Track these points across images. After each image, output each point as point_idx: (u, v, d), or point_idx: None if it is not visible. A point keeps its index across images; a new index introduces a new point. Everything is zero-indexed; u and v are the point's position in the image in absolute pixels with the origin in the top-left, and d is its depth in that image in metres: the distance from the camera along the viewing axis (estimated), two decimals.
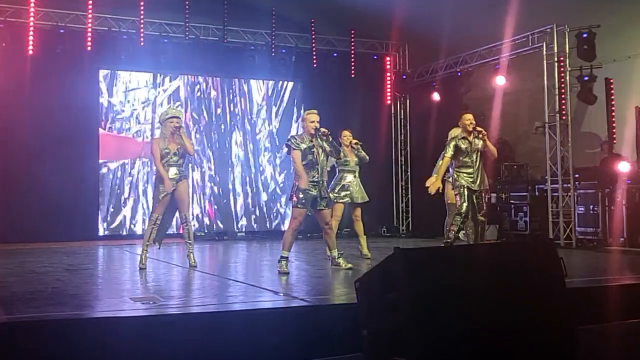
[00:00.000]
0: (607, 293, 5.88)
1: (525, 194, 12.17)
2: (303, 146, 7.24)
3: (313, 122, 7.29)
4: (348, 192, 8.76)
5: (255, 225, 14.25)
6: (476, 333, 3.35)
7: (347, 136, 8.93)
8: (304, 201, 7.14)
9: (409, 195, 15.05)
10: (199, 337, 4.44)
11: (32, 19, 11.95)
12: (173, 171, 7.68)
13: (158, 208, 7.66)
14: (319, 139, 7.29)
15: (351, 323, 4.18)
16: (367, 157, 9.00)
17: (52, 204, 12.07)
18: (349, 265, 7.44)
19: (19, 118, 11.95)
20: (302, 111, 14.44)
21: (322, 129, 7.31)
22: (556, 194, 11.29)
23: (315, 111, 7.42)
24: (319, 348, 4.55)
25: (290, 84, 14.71)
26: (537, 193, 12.07)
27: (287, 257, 7.21)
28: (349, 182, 8.82)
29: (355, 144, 8.97)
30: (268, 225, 14.33)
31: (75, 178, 12.50)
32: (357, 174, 8.95)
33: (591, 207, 10.88)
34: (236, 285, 6.57)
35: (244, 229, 14.11)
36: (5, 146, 11.93)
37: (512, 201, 12.34)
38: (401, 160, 15.24)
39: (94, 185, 13.00)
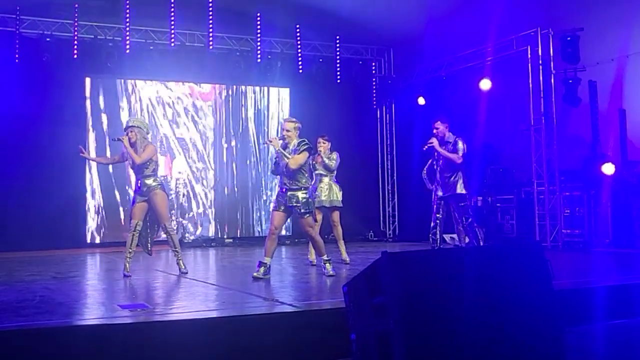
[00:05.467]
0: (594, 294, 5.92)
1: (511, 196, 12.24)
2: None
3: (283, 130, 7.38)
4: (316, 195, 8.85)
5: (242, 232, 14.26)
6: (463, 336, 3.37)
7: (321, 143, 9.03)
8: (275, 206, 7.39)
9: (395, 200, 15.09)
10: (187, 343, 4.45)
11: (18, 27, 11.90)
12: (149, 180, 7.68)
13: (135, 214, 7.67)
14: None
15: (340, 327, 4.20)
16: (333, 166, 9.03)
17: (39, 212, 12.03)
18: (332, 273, 7.40)
19: (4, 126, 11.90)
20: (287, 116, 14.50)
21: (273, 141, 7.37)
22: (542, 196, 11.37)
23: (291, 119, 7.50)
24: (308, 353, 4.56)
25: (276, 90, 14.73)
26: (523, 196, 12.15)
27: (265, 264, 7.28)
28: (319, 186, 8.94)
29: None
30: (256, 231, 14.33)
31: (63, 186, 12.47)
32: (328, 178, 9.01)
33: (577, 209, 10.97)
34: (224, 291, 6.57)
35: (231, 236, 14.11)
36: None
37: (498, 204, 12.41)
38: (387, 165, 15.28)
39: (81, 192, 12.96)
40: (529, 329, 3.59)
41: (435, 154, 8.83)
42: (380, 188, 15.33)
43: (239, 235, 14.18)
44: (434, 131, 8.77)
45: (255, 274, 7.21)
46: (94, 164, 13.03)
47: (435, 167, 8.84)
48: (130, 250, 7.67)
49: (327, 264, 7.44)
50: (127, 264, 7.67)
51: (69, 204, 12.61)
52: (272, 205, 7.55)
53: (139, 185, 7.70)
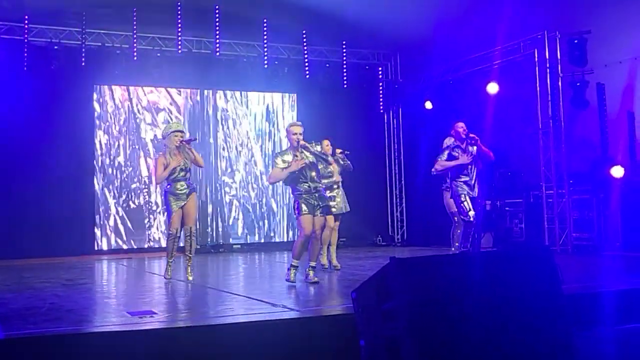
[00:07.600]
0: (605, 298, 5.89)
1: (520, 200, 12.18)
2: (286, 158, 7.08)
3: (296, 134, 7.08)
4: (334, 203, 8.71)
5: (250, 237, 14.26)
6: (472, 341, 3.35)
7: (327, 145, 8.83)
8: (306, 209, 7.00)
9: (404, 204, 15.07)
10: (195, 350, 4.44)
11: (26, 35, 11.97)
12: (182, 185, 7.74)
13: (175, 221, 7.72)
14: (302, 151, 7.13)
15: (349, 333, 4.19)
16: (352, 166, 8.86)
17: (49, 219, 12.08)
18: (316, 279, 7.21)
19: (14, 134, 11.97)
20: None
21: (302, 142, 7.10)
22: (551, 199, 11.32)
23: (298, 123, 7.23)
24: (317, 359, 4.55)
25: (283, 96, 14.74)
26: (532, 199, 12.09)
27: (297, 267, 7.17)
28: (335, 193, 8.79)
29: (340, 153, 8.91)
30: (263, 237, 14.32)
31: (71, 193, 12.51)
32: (340, 184, 8.92)
33: (586, 212, 10.92)
34: (232, 297, 6.57)
35: (239, 241, 14.11)
36: (1, 162, 11.94)
37: (507, 208, 12.34)
38: (395, 169, 15.26)
39: (90, 199, 12.99)
40: (538, 334, 3.57)
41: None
42: (388, 193, 15.30)
43: (247, 241, 14.17)
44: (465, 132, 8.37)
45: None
46: (102, 172, 13.07)
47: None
48: (173, 255, 7.81)
49: (312, 271, 7.21)
50: (170, 269, 7.85)
51: (78, 210, 12.65)
52: (301, 209, 6.98)
53: (179, 189, 7.72)
